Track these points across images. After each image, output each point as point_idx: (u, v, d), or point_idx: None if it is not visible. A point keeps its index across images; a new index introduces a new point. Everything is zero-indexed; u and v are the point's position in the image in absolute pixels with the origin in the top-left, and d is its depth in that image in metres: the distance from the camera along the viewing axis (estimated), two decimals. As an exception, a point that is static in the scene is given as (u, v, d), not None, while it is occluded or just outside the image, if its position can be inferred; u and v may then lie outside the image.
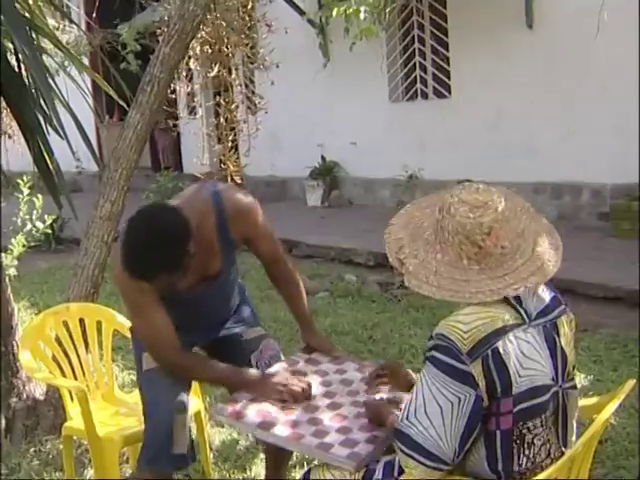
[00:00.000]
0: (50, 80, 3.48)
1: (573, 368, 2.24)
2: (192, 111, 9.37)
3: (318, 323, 5.76)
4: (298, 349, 3.08)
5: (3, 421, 4.01)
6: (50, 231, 8.69)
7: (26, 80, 3.70)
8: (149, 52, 8.40)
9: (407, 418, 2.04)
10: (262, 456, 3.67)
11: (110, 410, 3.42)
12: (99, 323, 3.58)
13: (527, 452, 2.07)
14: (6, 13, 3.28)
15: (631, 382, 2.29)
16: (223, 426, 3.99)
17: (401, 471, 2.15)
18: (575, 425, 2.22)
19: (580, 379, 4.45)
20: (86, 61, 12.25)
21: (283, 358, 2.98)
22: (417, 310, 6.09)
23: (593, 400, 2.52)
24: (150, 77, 3.72)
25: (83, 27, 12.11)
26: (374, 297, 6.59)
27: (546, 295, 2.19)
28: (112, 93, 4.21)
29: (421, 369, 2.12)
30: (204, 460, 3.48)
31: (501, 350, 2.00)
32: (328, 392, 2.63)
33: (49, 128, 3.63)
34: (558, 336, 2.14)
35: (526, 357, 2.03)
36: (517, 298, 2.09)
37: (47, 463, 3.76)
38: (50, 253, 9.56)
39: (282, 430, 2.40)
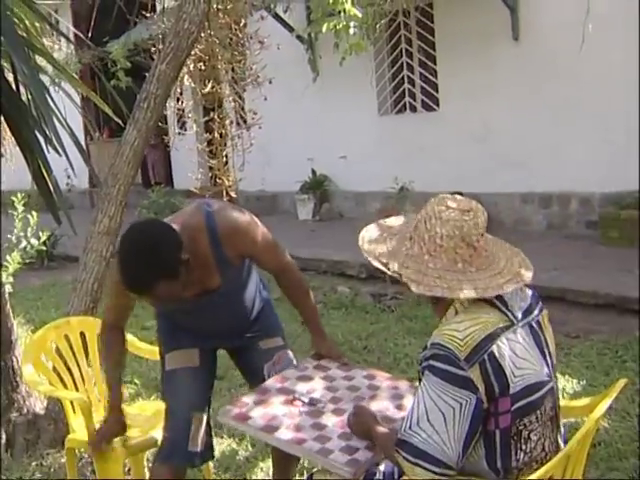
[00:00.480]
0: (48, 98, 3.53)
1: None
2: (182, 126, 9.44)
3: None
4: (302, 356, 3.15)
5: (4, 435, 4.05)
6: (44, 248, 8.73)
7: (26, 99, 3.75)
8: (140, 69, 8.48)
9: (410, 427, 2.10)
10: (261, 465, 3.73)
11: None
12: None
13: (524, 447, 2.14)
14: (6, 34, 3.34)
15: (622, 381, 2.36)
16: (222, 436, 4.05)
17: (401, 474, 2.21)
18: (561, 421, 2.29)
19: (573, 384, 4.52)
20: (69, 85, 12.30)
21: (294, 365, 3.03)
22: (410, 320, 6.16)
23: (586, 401, 2.59)
24: (146, 94, 3.79)
25: (72, 45, 12.16)
26: (367, 308, 6.65)
27: (527, 293, 2.28)
28: (107, 110, 4.27)
29: (418, 379, 2.19)
30: (206, 469, 3.52)
31: (496, 353, 2.07)
32: (334, 398, 2.67)
33: (48, 146, 3.67)
34: (543, 332, 2.23)
35: (518, 357, 2.11)
36: (502, 301, 2.17)
37: (49, 476, 3.79)
38: (43, 270, 9.59)
39: (285, 434, 2.45)
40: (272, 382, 2.79)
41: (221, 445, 3.98)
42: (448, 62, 9.91)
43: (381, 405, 2.64)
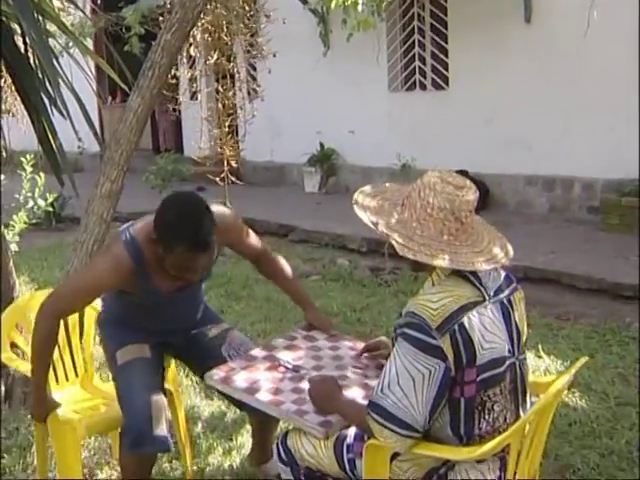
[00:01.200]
0: (55, 62, 3.63)
1: (525, 341, 2.42)
2: (193, 96, 9.50)
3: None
4: (290, 328, 3.26)
5: (2, 388, 4.18)
6: (51, 209, 8.83)
7: (32, 62, 3.84)
8: (152, 36, 8.55)
9: (381, 390, 2.21)
10: (248, 427, 3.84)
11: (86, 398, 3.44)
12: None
13: (487, 417, 2.26)
14: (15, -1, 3.43)
15: (584, 359, 2.46)
16: (212, 399, 4.18)
17: (370, 437, 2.33)
18: (529, 397, 2.40)
19: (557, 365, 4.63)
20: (90, 44, 12.36)
21: (252, 345, 3.16)
22: (406, 295, 6.26)
23: (552, 377, 2.70)
24: (151, 62, 3.87)
25: (87, 10, 12.21)
26: (365, 281, 6.75)
27: (501, 274, 2.38)
28: (114, 76, 4.36)
29: (392, 345, 2.30)
30: (179, 439, 3.46)
31: (466, 325, 2.18)
32: (317, 366, 2.78)
33: (53, 109, 3.77)
34: (512, 311, 2.34)
35: (487, 331, 2.22)
36: (477, 277, 2.28)
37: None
38: (50, 231, 9.71)
39: (265, 396, 2.56)
40: (259, 350, 2.90)
41: (210, 407, 4.12)
42: (459, 41, 9.92)
43: (362, 374, 2.73)
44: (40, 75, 3.71)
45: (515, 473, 2.30)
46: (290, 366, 2.75)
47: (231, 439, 3.78)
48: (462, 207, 2.25)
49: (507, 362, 2.27)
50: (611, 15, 7.78)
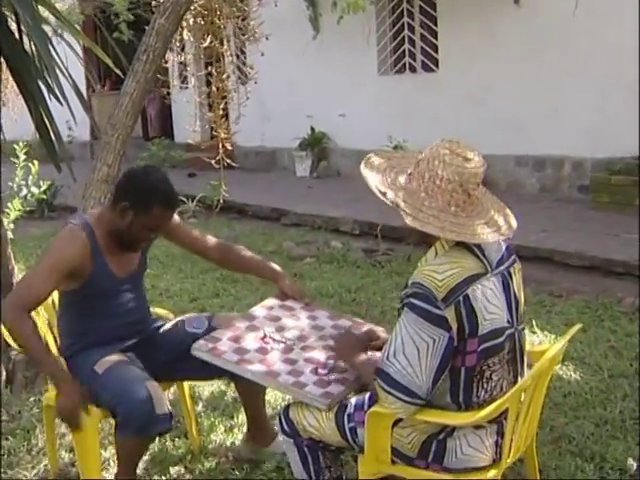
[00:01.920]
0: (51, 49, 3.65)
1: (523, 312, 2.49)
2: (184, 80, 9.50)
3: (304, 286, 6.01)
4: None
5: (4, 372, 4.22)
6: (45, 197, 8.84)
7: (27, 48, 3.86)
8: (141, 22, 8.54)
9: (387, 358, 2.28)
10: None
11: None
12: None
13: (485, 386, 2.32)
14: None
15: (576, 326, 2.53)
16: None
17: (370, 405, 2.39)
18: (526, 366, 2.46)
19: (550, 339, 4.69)
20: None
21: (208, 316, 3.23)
22: (399, 275, 6.33)
23: (546, 346, 2.76)
24: (146, 47, 3.91)
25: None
26: (359, 263, 6.81)
27: (502, 246, 2.43)
28: (109, 62, 4.39)
29: (397, 315, 2.35)
30: (186, 415, 3.57)
31: (471, 297, 2.24)
32: (301, 336, 2.83)
33: (50, 96, 3.79)
34: (512, 283, 2.40)
35: (489, 302, 2.28)
36: (480, 249, 2.32)
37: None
38: (43, 220, 9.72)
39: (259, 367, 2.60)
40: (241, 321, 2.91)
41: (211, 387, 4.16)
42: (449, 24, 9.94)
43: None
44: (37, 62, 3.72)
45: (512, 439, 2.37)
46: (277, 337, 2.77)
47: (232, 417, 3.83)
48: (470, 179, 2.29)
49: (506, 332, 2.33)
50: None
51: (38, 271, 2.90)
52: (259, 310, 3.01)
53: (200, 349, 2.72)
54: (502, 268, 2.38)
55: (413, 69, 10.82)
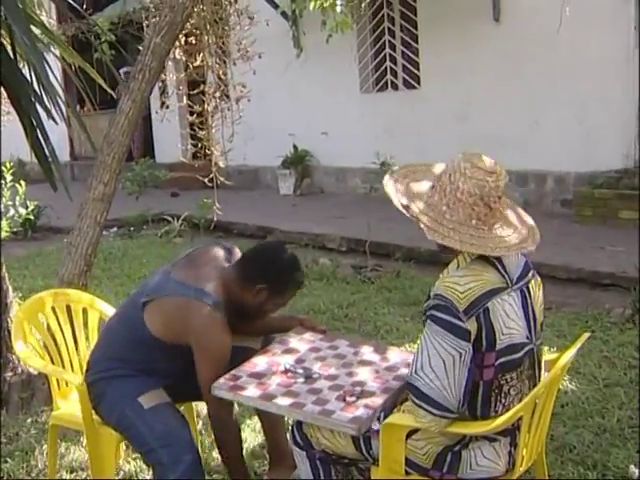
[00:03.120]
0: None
1: (542, 326, 2.51)
2: (162, 104, 9.52)
3: (295, 304, 6.02)
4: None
5: (-1, 394, 4.20)
6: (32, 217, 8.81)
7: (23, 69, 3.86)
8: (121, 43, 8.55)
9: (415, 372, 2.27)
10: (249, 422, 3.91)
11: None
12: (84, 310, 3.55)
13: (503, 401, 2.34)
14: (6, 4, 3.45)
15: (585, 335, 2.56)
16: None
17: (386, 417, 2.41)
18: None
19: (544, 352, 4.72)
20: (57, 52, 12.28)
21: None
22: (389, 290, 6.36)
23: (555, 355, 2.79)
24: (141, 66, 3.93)
25: (54, 17, 12.16)
26: (348, 279, 6.83)
27: (521, 261, 2.44)
28: (101, 81, 4.40)
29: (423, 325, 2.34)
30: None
31: (490, 310, 2.25)
32: (323, 366, 2.78)
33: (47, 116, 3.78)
34: (530, 298, 2.41)
35: (508, 317, 2.29)
36: (502, 263, 2.33)
37: (44, 432, 3.92)
38: (27, 241, 9.65)
39: (284, 400, 2.55)
40: (259, 357, 2.86)
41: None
42: (430, 41, 10.06)
43: (368, 369, 2.77)
44: (34, 82, 3.72)
45: (524, 448, 2.39)
46: (299, 370, 2.73)
47: (233, 434, 3.82)
48: (491, 193, 2.29)
49: (525, 348, 2.35)
50: (581, 10, 7.95)
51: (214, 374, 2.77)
52: (277, 345, 2.97)
53: (221, 388, 2.66)
54: (522, 283, 2.38)
55: (395, 86, 10.92)
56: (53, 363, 3.34)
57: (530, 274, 2.46)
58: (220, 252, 3.05)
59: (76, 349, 3.47)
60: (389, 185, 2.45)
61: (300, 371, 2.72)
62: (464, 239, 2.26)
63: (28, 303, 3.43)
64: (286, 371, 2.73)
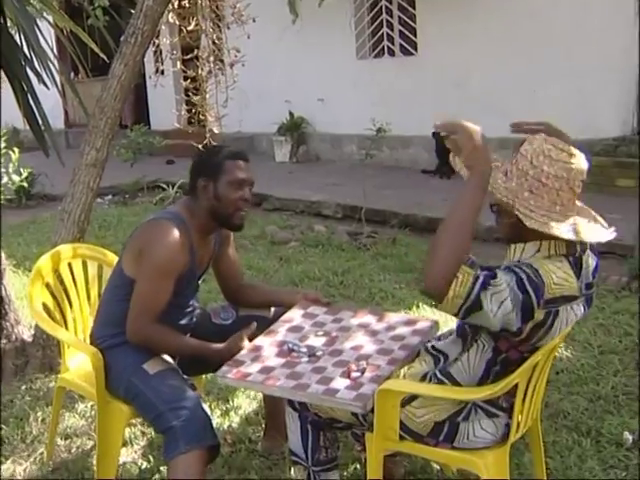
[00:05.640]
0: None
1: None
2: (157, 70, 9.43)
3: (290, 270, 6.03)
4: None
5: (-6, 360, 4.19)
6: (25, 185, 8.75)
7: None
8: (115, 8, 8.45)
9: (488, 284, 2.06)
10: (243, 389, 3.90)
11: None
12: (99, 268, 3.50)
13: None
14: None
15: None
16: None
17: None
18: None
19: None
20: (50, 18, 12.16)
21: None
22: (385, 257, 6.35)
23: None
24: (134, 29, 3.87)
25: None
26: (343, 246, 6.81)
27: (591, 265, 2.31)
28: (94, 46, 4.34)
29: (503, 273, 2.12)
30: None
31: (559, 314, 2.17)
32: (328, 341, 2.73)
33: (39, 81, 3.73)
34: (589, 308, 2.32)
35: (566, 325, 2.23)
36: (579, 268, 2.21)
37: (38, 399, 3.94)
38: (21, 209, 9.61)
39: (287, 382, 2.49)
40: (263, 338, 2.80)
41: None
42: (427, 7, 9.95)
43: (373, 340, 2.72)
44: (24, 47, 3.66)
45: (519, 415, 2.39)
46: (303, 349, 2.67)
47: (227, 401, 3.83)
48: (577, 176, 2.16)
49: None
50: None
51: (151, 286, 2.79)
52: (280, 324, 2.90)
53: (224, 375, 2.61)
54: (589, 292, 2.28)
55: (392, 53, 10.82)
56: (66, 322, 3.30)
57: (595, 280, 2.33)
58: None
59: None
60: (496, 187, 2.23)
61: (304, 350, 2.66)
62: (558, 226, 2.10)
63: (46, 258, 3.32)
64: (290, 351, 2.68)
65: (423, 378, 2.43)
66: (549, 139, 2.18)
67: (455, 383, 2.34)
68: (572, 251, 2.21)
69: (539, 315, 2.13)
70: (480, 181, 2.08)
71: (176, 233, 2.79)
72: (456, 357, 2.36)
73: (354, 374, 2.47)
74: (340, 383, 2.43)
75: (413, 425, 2.40)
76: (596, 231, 2.20)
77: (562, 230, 2.12)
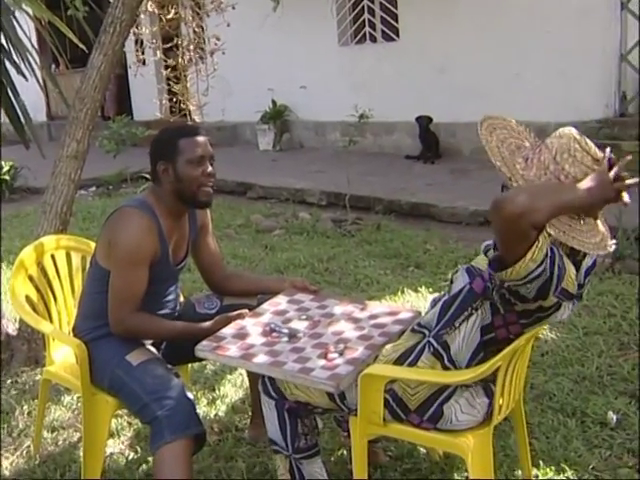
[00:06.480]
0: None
1: None
2: (140, 59, 9.39)
3: (275, 258, 6.02)
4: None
5: (-23, 355, 4.17)
6: (7, 178, 8.70)
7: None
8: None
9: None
10: (229, 377, 3.92)
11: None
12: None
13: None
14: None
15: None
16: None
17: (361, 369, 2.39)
18: None
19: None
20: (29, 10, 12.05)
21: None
22: (370, 244, 6.36)
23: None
24: (112, 18, 3.84)
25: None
26: (328, 233, 6.81)
27: (589, 264, 2.30)
28: (73, 37, 4.30)
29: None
30: None
31: (561, 308, 2.21)
32: (310, 324, 2.75)
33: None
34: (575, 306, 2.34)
35: (559, 323, 2.24)
36: (579, 266, 2.21)
37: (24, 392, 3.93)
38: (4, 202, 9.52)
39: (264, 359, 2.51)
40: (247, 319, 2.81)
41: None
42: (408, -8, 9.93)
43: (354, 326, 2.73)
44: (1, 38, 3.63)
45: (502, 397, 2.40)
46: (285, 330, 2.69)
47: (214, 390, 3.84)
48: None
49: None
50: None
51: (125, 276, 2.78)
52: (266, 306, 2.92)
53: (204, 349, 2.63)
54: (580, 292, 2.28)
55: (373, 39, 10.80)
56: (50, 314, 3.27)
57: (587, 282, 2.32)
58: None
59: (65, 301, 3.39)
60: (486, 137, 2.25)
61: (285, 331, 2.68)
62: (572, 234, 2.06)
63: (29, 250, 3.28)
64: (271, 331, 2.70)
65: (419, 351, 2.39)
66: (578, 137, 2.13)
67: (449, 354, 2.33)
68: (574, 251, 2.20)
69: (549, 301, 2.14)
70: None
71: (141, 219, 2.79)
72: (454, 325, 2.32)
73: (331, 355, 2.49)
74: (317, 363, 2.45)
75: (405, 397, 2.38)
76: (599, 242, 2.13)
77: (571, 238, 2.07)
